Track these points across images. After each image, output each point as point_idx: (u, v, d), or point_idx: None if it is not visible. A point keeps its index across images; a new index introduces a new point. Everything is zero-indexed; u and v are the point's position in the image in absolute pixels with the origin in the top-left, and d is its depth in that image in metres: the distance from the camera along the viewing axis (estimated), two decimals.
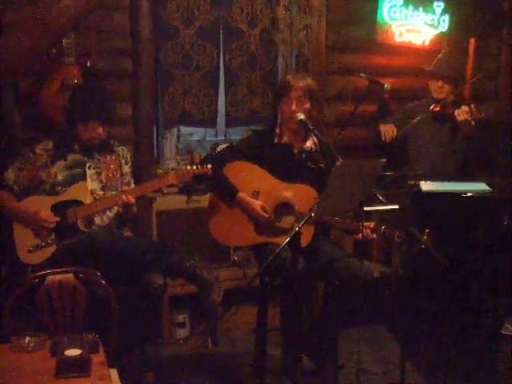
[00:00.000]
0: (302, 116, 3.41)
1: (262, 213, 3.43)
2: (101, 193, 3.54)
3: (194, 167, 3.42)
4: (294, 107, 3.42)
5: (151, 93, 4.48)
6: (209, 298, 3.35)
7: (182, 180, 3.48)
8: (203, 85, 4.63)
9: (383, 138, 4.38)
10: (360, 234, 3.21)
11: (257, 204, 3.45)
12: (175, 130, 4.76)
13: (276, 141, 3.57)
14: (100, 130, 3.52)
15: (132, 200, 3.41)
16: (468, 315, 3.84)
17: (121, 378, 2.60)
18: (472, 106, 4.13)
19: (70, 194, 3.48)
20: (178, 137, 4.80)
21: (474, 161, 4.41)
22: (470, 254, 3.86)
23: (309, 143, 3.58)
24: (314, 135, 3.49)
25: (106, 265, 3.15)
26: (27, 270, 3.35)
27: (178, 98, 4.57)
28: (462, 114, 4.13)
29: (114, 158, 3.65)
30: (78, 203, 3.45)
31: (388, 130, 4.38)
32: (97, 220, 3.52)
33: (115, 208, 3.54)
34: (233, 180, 3.49)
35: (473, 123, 4.10)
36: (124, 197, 3.39)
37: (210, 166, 3.42)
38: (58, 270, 2.86)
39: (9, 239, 3.46)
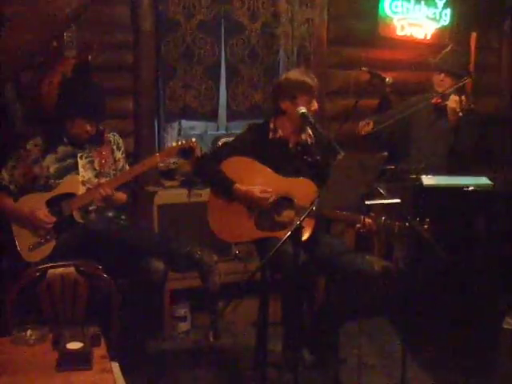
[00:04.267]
0: (303, 110, 3.41)
1: (263, 195, 3.42)
2: (95, 180, 3.54)
3: (179, 142, 3.45)
4: (316, 106, 3.50)
5: (152, 86, 4.48)
6: (210, 281, 3.36)
7: (167, 156, 3.56)
8: (204, 78, 4.62)
9: (357, 131, 4.45)
10: (359, 225, 3.22)
11: (255, 189, 3.44)
12: (176, 123, 4.75)
13: (271, 136, 3.56)
14: (87, 127, 3.50)
15: (109, 191, 3.40)
16: (469, 309, 3.83)
17: (122, 371, 2.61)
18: (462, 97, 4.15)
19: (62, 187, 3.48)
20: (179, 131, 4.79)
21: (474, 155, 4.42)
22: (471, 247, 3.86)
23: (304, 136, 3.58)
24: (315, 129, 3.49)
25: (105, 254, 3.15)
26: (30, 266, 3.34)
27: (179, 92, 4.56)
28: (452, 102, 4.17)
29: (104, 144, 3.65)
30: (72, 195, 3.45)
31: (364, 125, 4.46)
32: (91, 208, 3.52)
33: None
34: (231, 175, 3.47)
35: (460, 113, 4.12)
36: (102, 190, 3.39)
37: (194, 139, 3.46)
38: (59, 263, 2.85)
39: (9, 236, 3.46)
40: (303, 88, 3.47)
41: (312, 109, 3.47)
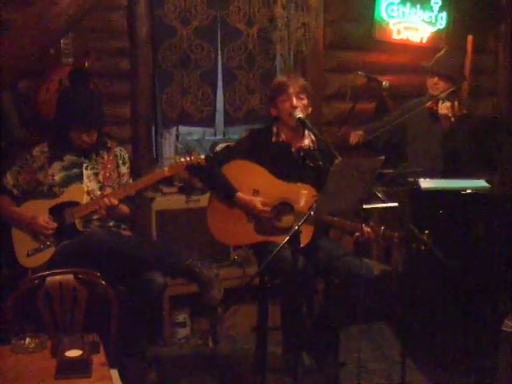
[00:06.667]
0: (300, 114, 3.41)
1: (263, 208, 3.43)
2: (98, 193, 3.54)
3: (188, 158, 3.43)
4: (294, 102, 3.42)
5: (149, 93, 4.48)
6: (209, 295, 3.35)
7: (176, 171, 3.50)
8: (201, 84, 4.62)
9: (350, 142, 4.49)
10: (357, 233, 3.21)
11: (257, 201, 3.44)
12: (174, 129, 4.75)
13: (274, 140, 3.56)
14: (83, 136, 3.50)
15: (114, 201, 3.40)
16: (468, 312, 3.83)
17: (122, 378, 2.60)
18: (455, 102, 4.16)
19: (67, 195, 3.48)
20: (177, 136, 4.79)
21: (472, 157, 4.43)
22: (469, 250, 3.86)
23: (307, 141, 3.57)
24: (312, 133, 3.50)
25: (105, 264, 3.15)
26: (28, 273, 3.34)
27: (176, 98, 4.57)
28: (443, 108, 4.18)
29: (111, 157, 3.65)
30: (75, 204, 3.45)
31: (354, 136, 4.50)
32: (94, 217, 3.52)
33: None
34: (232, 179, 3.48)
35: (452, 119, 4.14)
36: (107, 200, 3.39)
37: (203, 156, 3.43)
38: (58, 271, 2.85)
39: (8, 242, 3.46)
40: (278, 89, 3.49)
41: (286, 106, 3.44)
